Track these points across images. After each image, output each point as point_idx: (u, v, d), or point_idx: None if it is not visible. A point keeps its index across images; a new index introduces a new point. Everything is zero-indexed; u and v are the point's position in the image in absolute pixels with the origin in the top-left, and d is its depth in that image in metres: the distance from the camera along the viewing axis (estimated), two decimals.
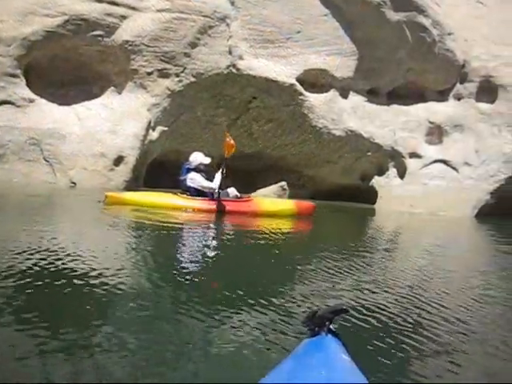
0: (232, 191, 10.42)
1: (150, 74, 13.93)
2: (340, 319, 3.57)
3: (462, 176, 16.80)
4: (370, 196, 16.89)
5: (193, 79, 14.24)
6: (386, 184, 16.85)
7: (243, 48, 14.62)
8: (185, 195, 10.05)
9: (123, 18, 13.48)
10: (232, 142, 10.19)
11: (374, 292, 4.62)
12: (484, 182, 16.90)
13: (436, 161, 16.77)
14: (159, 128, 14.25)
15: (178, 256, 5.73)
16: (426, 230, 12.50)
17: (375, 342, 3.35)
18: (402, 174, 16.83)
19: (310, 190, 16.78)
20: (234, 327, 3.33)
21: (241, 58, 14.50)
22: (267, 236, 7.65)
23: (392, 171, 16.93)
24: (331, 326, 1.84)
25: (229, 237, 7.71)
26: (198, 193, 10.05)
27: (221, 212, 9.84)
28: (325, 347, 1.74)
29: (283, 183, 16.15)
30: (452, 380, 2.90)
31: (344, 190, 16.99)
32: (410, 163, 16.70)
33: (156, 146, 14.45)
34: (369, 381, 1.68)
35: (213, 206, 9.91)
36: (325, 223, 11.12)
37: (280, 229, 8.80)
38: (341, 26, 15.48)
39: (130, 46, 13.56)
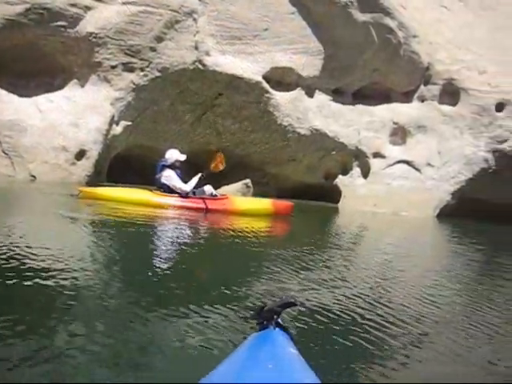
0: (208, 189, 10.37)
1: (114, 67, 13.70)
2: (293, 313, 3.59)
3: (425, 177, 17.07)
4: (334, 195, 17.01)
5: (158, 74, 14.07)
6: (350, 183, 16.99)
7: (210, 44, 14.52)
8: (159, 192, 10.00)
9: (88, 9, 13.22)
10: (221, 165, 10.25)
11: (328, 289, 4.63)
12: (446, 182, 17.22)
13: (399, 161, 16.99)
14: (123, 123, 14.04)
15: (143, 253, 5.63)
16: (387, 230, 12.65)
17: (324, 336, 3.36)
18: (365, 173, 16.99)
19: (274, 188, 16.79)
20: (187, 324, 3.29)
21: (207, 53, 14.40)
22: (237, 234, 7.62)
23: (356, 171, 17.07)
24: (279, 320, 1.82)
25: (200, 235, 7.64)
26: (172, 190, 10.02)
27: (196, 210, 9.82)
28: (272, 341, 1.72)
29: (247, 181, 16.12)
30: (398, 379, 2.90)
31: (308, 189, 17.06)
32: (374, 163, 16.87)
33: (119, 141, 14.24)
34: (316, 374, 1.65)
35: (188, 203, 9.89)
36: (289, 222, 11.08)
37: (251, 227, 8.75)
38: (308, 24, 15.52)
39: (95, 38, 13.31)
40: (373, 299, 4.38)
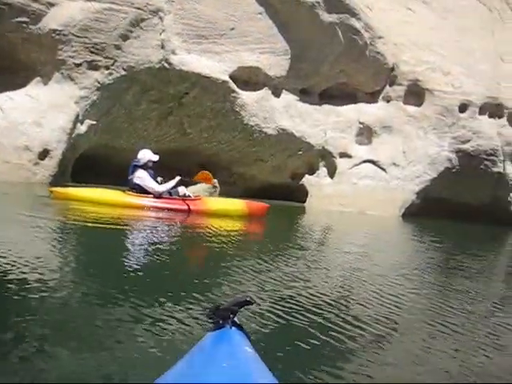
0: (182, 189, 10.34)
1: (78, 65, 13.47)
2: (253, 312, 3.61)
3: (390, 176, 17.28)
4: (301, 195, 17.08)
5: (123, 72, 13.89)
6: (317, 183, 17.08)
7: (176, 43, 14.40)
8: (131, 192, 9.93)
9: (50, 5, 12.95)
10: (210, 182, 10.23)
11: (289, 289, 4.65)
12: (410, 182, 17.46)
13: (365, 161, 17.16)
14: (87, 122, 13.81)
15: (109, 255, 5.60)
16: (352, 230, 12.77)
17: (282, 336, 3.38)
18: (332, 173, 17.10)
19: (240, 187, 16.76)
20: (144, 324, 3.27)
21: (173, 52, 14.28)
22: (206, 235, 7.63)
23: (322, 170, 17.18)
24: (236, 319, 1.83)
25: (170, 236, 7.58)
26: (144, 191, 9.96)
27: (169, 210, 9.79)
28: (228, 340, 1.73)
29: (214, 181, 16.03)
30: (356, 381, 2.91)
31: (275, 189, 17.08)
32: (340, 163, 16.99)
33: (84, 141, 14.01)
34: (273, 373, 1.66)
35: (161, 204, 9.86)
36: (262, 224, 11.04)
37: (221, 228, 8.76)
38: (275, 24, 15.52)
39: (58, 35, 13.06)
40: (332, 299, 4.41)
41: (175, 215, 9.64)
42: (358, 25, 16.20)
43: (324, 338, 3.39)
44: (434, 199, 17.96)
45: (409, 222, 15.73)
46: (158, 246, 6.41)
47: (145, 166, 10.09)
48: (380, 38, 16.94)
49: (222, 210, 10.27)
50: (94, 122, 13.97)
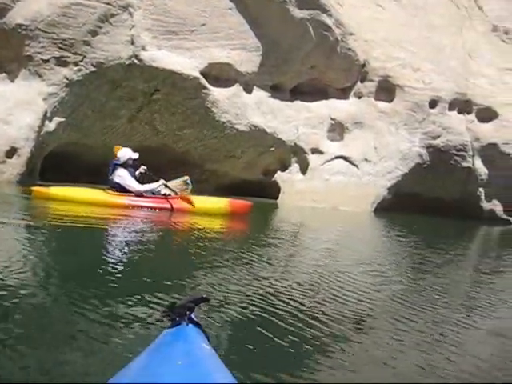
0: (163, 190, 10.35)
1: (46, 61, 13.23)
2: (213, 310, 3.59)
3: (362, 172, 17.39)
4: (273, 191, 17.06)
5: (93, 69, 13.69)
6: (289, 179, 17.10)
7: (146, 38, 14.25)
8: (111, 191, 9.93)
9: None
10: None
11: (252, 286, 4.64)
12: (382, 178, 17.60)
13: (337, 157, 17.23)
14: (56, 119, 13.58)
15: (78, 254, 5.52)
16: (323, 226, 12.81)
17: (241, 333, 3.39)
18: (304, 169, 17.13)
19: (212, 184, 16.67)
20: (100, 322, 3.24)
21: (143, 48, 14.13)
22: (183, 233, 7.68)
23: (294, 166, 17.19)
24: (193, 316, 1.82)
25: (148, 234, 7.52)
26: (124, 189, 9.95)
27: (151, 209, 9.84)
28: (184, 337, 1.72)
29: (186, 178, 15.85)
30: (312, 378, 2.89)
31: (247, 185, 17.02)
32: (312, 159, 17.03)
33: (53, 138, 13.78)
34: (230, 370, 1.66)
35: (143, 202, 9.89)
36: (245, 221, 11.00)
37: (200, 227, 8.71)
38: (246, 20, 15.47)
39: (24, 30, 12.80)
40: (294, 298, 4.38)
41: (157, 214, 9.66)
42: (329, 21, 16.24)
43: (284, 336, 3.37)
44: (406, 194, 18.13)
45: (381, 217, 15.86)
46: (133, 245, 6.38)
47: (125, 165, 10.10)
48: (351, 34, 17.02)
49: (204, 209, 10.29)
50: (63, 120, 13.75)
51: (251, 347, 3.18)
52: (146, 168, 10.34)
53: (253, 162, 17.01)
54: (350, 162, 17.34)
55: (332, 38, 16.44)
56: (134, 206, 9.79)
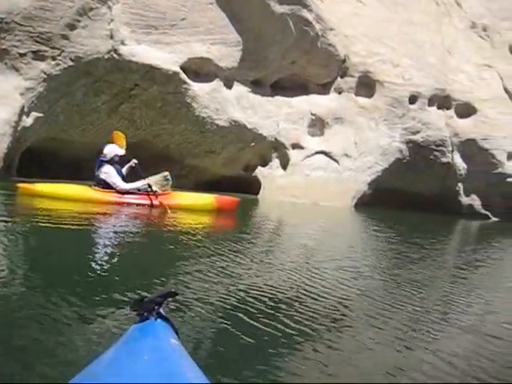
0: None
1: (23, 55, 13.03)
2: (187, 306, 3.56)
3: (342, 167, 17.45)
4: (254, 186, 17.05)
5: (71, 63, 13.52)
6: (269, 175, 17.09)
7: (125, 33, 14.12)
8: (97, 188, 9.91)
9: None
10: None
11: (228, 284, 4.60)
12: (362, 173, 17.68)
13: (318, 152, 17.27)
14: (34, 114, 13.39)
15: (63, 252, 5.43)
16: (303, 222, 12.81)
17: (211, 328, 3.35)
18: (284, 164, 17.15)
19: (193, 180, 16.62)
20: (66, 318, 3.20)
21: (123, 43, 13.99)
22: (164, 230, 7.60)
23: (275, 162, 17.20)
24: (161, 311, 1.79)
25: (131, 232, 7.46)
26: (110, 186, 9.94)
27: (136, 206, 9.83)
28: (152, 332, 1.69)
29: (166, 173, 15.74)
30: (283, 377, 2.88)
31: (227, 181, 16.98)
32: (293, 154, 17.05)
33: (30, 134, 13.59)
34: (199, 365, 1.64)
35: (128, 199, 9.89)
36: (232, 218, 10.96)
37: (186, 223, 8.68)
38: (226, 15, 15.40)
39: (0, 23, 12.59)
40: (268, 295, 4.34)
41: (142, 210, 9.62)
42: (309, 16, 16.24)
43: (255, 333, 3.34)
44: (386, 189, 18.25)
45: (361, 212, 15.93)
46: (112, 242, 6.32)
47: (111, 161, 10.08)
48: (331, 29, 17.04)
49: (190, 205, 10.26)
50: (41, 115, 13.57)
51: (222, 343, 3.17)
52: (136, 162, 10.31)
53: (233, 158, 16.97)
54: (331, 158, 17.39)
55: (312, 33, 16.44)
56: (119, 203, 9.77)
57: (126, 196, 9.94)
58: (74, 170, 14.68)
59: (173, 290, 1.81)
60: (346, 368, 3.10)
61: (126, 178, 10.26)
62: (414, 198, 18.81)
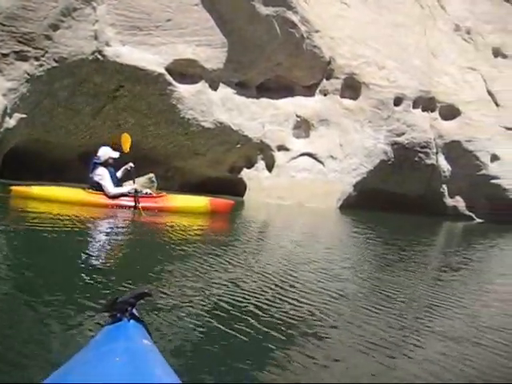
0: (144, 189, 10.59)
1: (5, 55, 12.87)
2: (166, 308, 3.53)
3: (327, 169, 17.49)
4: (239, 188, 17.03)
5: (55, 64, 13.39)
6: (255, 176, 17.08)
7: (110, 34, 14.02)
8: (92, 190, 10.00)
9: None
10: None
11: (201, 284, 4.61)
12: (347, 175, 17.73)
13: (303, 154, 17.29)
14: (17, 115, 13.22)
15: (47, 255, 5.39)
16: (288, 223, 12.83)
17: (185, 330, 3.34)
18: (270, 166, 17.15)
19: (178, 182, 16.56)
20: (39, 319, 3.19)
21: (107, 44, 13.90)
22: (153, 233, 7.64)
23: (261, 163, 17.19)
24: (134, 311, 1.79)
25: (118, 235, 7.45)
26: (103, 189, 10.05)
27: (129, 208, 9.90)
28: (125, 333, 1.69)
29: (151, 175, 15.77)
30: (257, 378, 2.87)
31: (213, 182, 16.94)
32: (278, 156, 17.06)
33: (13, 135, 13.43)
34: (172, 366, 1.64)
35: (122, 202, 9.96)
36: (225, 220, 10.95)
37: (177, 226, 8.68)
38: (212, 16, 15.36)
39: None
40: (243, 296, 4.34)
41: (132, 213, 9.69)
42: (294, 18, 16.26)
43: (229, 336, 3.35)
44: (371, 191, 18.32)
45: (346, 213, 15.97)
46: (100, 244, 6.35)
47: (105, 164, 10.11)
48: (317, 31, 17.07)
49: (184, 208, 10.31)
50: (24, 116, 13.42)
51: (196, 345, 3.16)
52: (132, 166, 10.33)
53: (219, 159, 16.93)
54: (316, 159, 17.42)
55: (298, 35, 16.46)
56: (112, 206, 9.86)
57: (123, 198, 10.01)
58: (57, 171, 14.58)
59: (146, 291, 1.80)
60: (321, 371, 3.09)
61: (120, 181, 10.38)
62: (398, 200, 18.90)
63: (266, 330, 3.56)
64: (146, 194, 10.30)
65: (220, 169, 17.24)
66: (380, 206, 17.72)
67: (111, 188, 9.98)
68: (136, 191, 10.04)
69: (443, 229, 16.99)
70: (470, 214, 20.28)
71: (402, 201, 18.95)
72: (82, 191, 10.00)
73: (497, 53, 20.83)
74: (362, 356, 3.35)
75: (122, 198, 10.02)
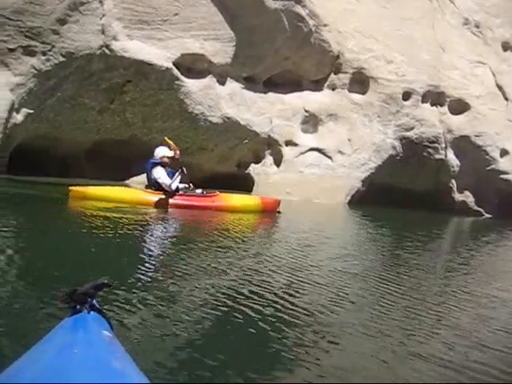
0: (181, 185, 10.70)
1: (12, 50, 12.80)
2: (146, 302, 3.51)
3: (336, 164, 17.38)
4: (247, 183, 16.92)
5: (62, 59, 13.30)
6: (263, 172, 16.99)
7: (117, 28, 13.93)
8: (150, 190, 10.22)
9: None
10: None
11: (203, 279, 4.54)
12: (356, 170, 17.61)
13: (311, 149, 17.19)
14: (24, 110, 13.16)
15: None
16: (297, 218, 12.76)
17: (150, 322, 3.31)
18: (278, 161, 17.05)
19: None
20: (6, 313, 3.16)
21: (115, 38, 13.81)
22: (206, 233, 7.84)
23: (268, 159, 17.10)
24: (95, 302, 1.77)
25: (169, 233, 7.52)
26: (163, 188, 10.20)
27: (183, 207, 10.14)
28: (84, 325, 1.66)
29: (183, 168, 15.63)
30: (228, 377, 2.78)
31: (221, 178, 16.81)
32: (286, 151, 16.96)
33: (20, 131, 13.37)
34: (133, 358, 1.63)
35: (181, 201, 10.25)
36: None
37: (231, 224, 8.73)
38: (219, 11, 15.25)
39: None
40: (230, 292, 4.28)
41: (192, 212, 9.92)
42: (303, 12, 16.14)
43: (192, 328, 3.31)
44: (380, 186, 18.20)
45: (354, 209, 15.88)
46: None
47: (162, 163, 10.33)
48: (325, 25, 16.94)
49: (240, 207, 10.71)
50: (32, 111, 13.35)
51: (161, 337, 3.10)
52: (184, 169, 10.63)
53: (226, 155, 16.84)
54: (324, 154, 17.31)
55: (306, 29, 16.34)
56: (171, 205, 10.04)
57: (180, 198, 10.27)
58: (64, 167, 14.53)
59: (105, 282, 1.77)
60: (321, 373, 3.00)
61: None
62: (407, 195, 18.77)
63: (263, 325, 3.51)
64: (202, 193, 10.58)
65: (228, 164, 17.14)
66: (388, 202, 17.59)
67: (168, 181, 10.10)
68: (186, 189, 10.44)
69: (452, 224, 16.89)
70: (479, 209, 20.14)
71: (410, 196, 18.82)
72: (141, 191, 10.27)
73: (506, 47, 20.65)
74: (373, 357, 3.27)
75: (182, 198, 10.25)
